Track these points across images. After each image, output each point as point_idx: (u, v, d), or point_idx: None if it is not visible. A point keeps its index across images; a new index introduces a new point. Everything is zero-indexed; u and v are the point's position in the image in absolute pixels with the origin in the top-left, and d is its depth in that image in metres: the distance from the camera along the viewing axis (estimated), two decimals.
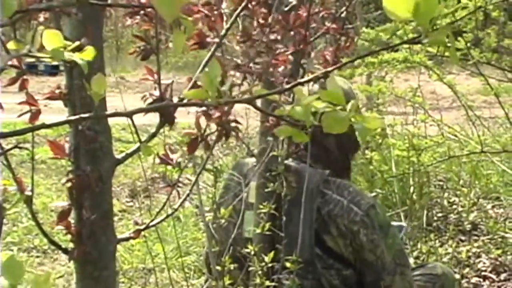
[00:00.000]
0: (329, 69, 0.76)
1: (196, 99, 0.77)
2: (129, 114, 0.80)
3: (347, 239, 2.22)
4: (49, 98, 1.26)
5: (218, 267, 2.14)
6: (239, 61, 1.52)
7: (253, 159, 2.34)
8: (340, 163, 2.36)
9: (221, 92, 0.74)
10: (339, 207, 2.22)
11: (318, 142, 2.25)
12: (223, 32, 1.29)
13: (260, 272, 2.09)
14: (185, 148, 1.38)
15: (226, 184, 2.49)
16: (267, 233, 2.13)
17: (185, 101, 1.15)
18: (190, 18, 1.35)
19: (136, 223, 1.37)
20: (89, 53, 0.83)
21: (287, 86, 0.75)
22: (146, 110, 0.86)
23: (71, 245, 1.28)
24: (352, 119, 0.76)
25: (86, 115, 0.95)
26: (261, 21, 1.56)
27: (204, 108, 1.36)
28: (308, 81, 0.79)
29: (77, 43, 0.97)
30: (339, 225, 2.21)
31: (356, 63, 3.75)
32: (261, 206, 2.14)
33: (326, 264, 2.22)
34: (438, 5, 0.79)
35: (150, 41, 1.31)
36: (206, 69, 0.87)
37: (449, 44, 0.74)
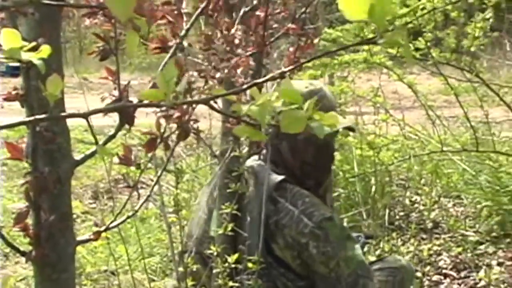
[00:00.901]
0: (285, 69, 0.77)
1: (153, 100, 0.77)
2: (85, 115, 0.79)
3: (294, 250, 2.16)
4: (6, 99, 1.25)
5: (181, 268, 2.14)
6: (201, 64, 1.52)
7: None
8: (297, 170, 2.27)
9: (177, 93, 0.74)
10: (288, 217, 2.15)
11: (274, 146, 2.26)
12: (183, 32, 1.29)
13: (222, 272, 2.09)
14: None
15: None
16: (230, 233, 2.12)
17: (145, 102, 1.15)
18: (159, 22, 1.35)
19: (96, 225, 1.36)
20: (44, 52, 0.82)
21: (244, 87, 0.75)
22: (102, 111, 0.86)
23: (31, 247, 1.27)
24: (309, 119, 0.76)
25: (41, 116, 0.94)
26: (224, 32, 1.56)
27: (164, 109, 1.35)
28: (264, 81, 0.79)
29: (34, 43, 0.95)
30: (285, 236, 2.14)
31: (312, 64, 3.77)
32: (224, 207, 2.14)
33: (278, 272, 2.19)
34: (393, 6, 0.80)
35: (109, 41, 1.30)
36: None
37: (403, 43, 0.75)
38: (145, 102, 0.86)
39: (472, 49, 3.80)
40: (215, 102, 1.48)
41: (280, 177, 2.17)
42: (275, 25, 1.82)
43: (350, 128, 2.50)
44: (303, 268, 2.18)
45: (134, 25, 0.85)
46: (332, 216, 2.18)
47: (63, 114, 0.97)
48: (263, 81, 0.77)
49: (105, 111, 0.90)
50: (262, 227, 2.09)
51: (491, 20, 3.79)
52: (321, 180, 2.35)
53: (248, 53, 1.63)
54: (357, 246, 2.21)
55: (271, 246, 2.14)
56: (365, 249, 2.62)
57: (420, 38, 3.68)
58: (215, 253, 2.11)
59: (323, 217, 2.14)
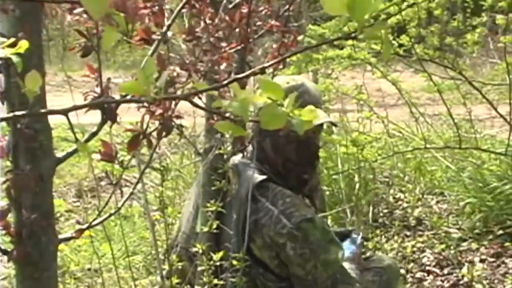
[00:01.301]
0: (266, 64, 0.76)
1: (133, 94, 0.76)
2: (65, 112, 0.79)
3: (272, 251, 2.14)
4: None
5: (166, 266, 2.14)
6: (185, 59, 1.52)
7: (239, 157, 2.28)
8: (280, 167, 2.24)
9: (158, 88, 0.73)
10: (268, 216, 2.12)
11: (258, 143, 2.25)
12: (164, 28, 1.28)
13: (207, 270, 2.08)
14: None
15: None
16: (214, 231, 2.12)
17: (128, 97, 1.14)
18: (142, 12, 1.34)
19: (78, 223, 1.36)
20: (22, 47, 0.81)
21: (225, 82, 0.75)
22: (81, 107, 0.85)
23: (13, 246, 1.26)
24: (290, 114, 0.76)
25: (20, 112, 0.93)
26: (208, 21, 1.55)
27: (146, 105, 1.35)
28: (245, 77, 0.79)
29: (13, 39, 0.95)
30: (264, 236, 2.12)
31: (296, 59, 3.77)
32: (208, 204, 2.14)
33: (257, 271, 2.17)
34: (376, 1, 0.80)
35: (91, 38, 1.29)
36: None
37: (383, 38, 0.75)
38: (127, 98, 0.85)
39: (474, 54, 3.84)
40: (200, 98, 1.48)
41: (262, 177, 2.15)
42: (258, 23, 1.81)
43: (332, 123, 2.49)
44: (282, 269, 2.16)
45: (110, 21, 0.84)
46: (313, 217, 2.14)
47: (42, 111, 0.97)
48: (244, 76, 0.77)
49: (84, 107, 0.89)
50: (247, 225, 2.08)
51: (487, 24, 3.84)
52: (304, 177, 2.31)
53: (231, 49, 1.63)
54: (340, 251, 2.18)
55: (249, 245, 2.11)
56: (363, 249, 2.59)
57: (403, 35, 3.70)
58: (200, 251, 2.11)
59: (303, 218, 2.11)
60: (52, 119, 1.35)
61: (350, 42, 3.79)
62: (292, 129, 0.76)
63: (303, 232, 2.10)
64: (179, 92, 1.24)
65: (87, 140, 1.21)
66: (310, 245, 2.10)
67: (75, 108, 0.81)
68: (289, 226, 2.10)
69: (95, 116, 1.27)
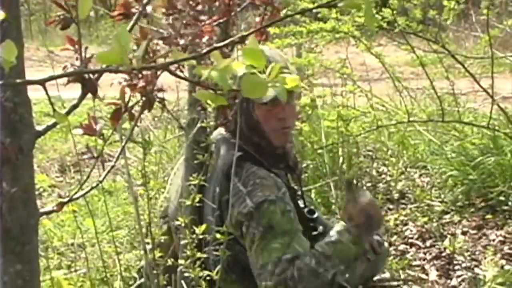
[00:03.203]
0: (245, 33, 0.76)
1: (109, 64, 0.75)
2: (41, 82, 0.78)
3: (238, 231, 2.11)
4: None
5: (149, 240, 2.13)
6: (165, 33, 1.50)
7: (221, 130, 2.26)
8: (257, 147, 2.23)
9: (137, 58, 0.72)
10: (236, 197, 2.10)
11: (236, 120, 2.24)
12: (144, 1, 1.27)
13: (190, 244, 2.08)
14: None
15: None
16: (197, 204, 2.11)
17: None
18: None
19: (60, 196, 1.35)
20: None
21: (204, 51, 0.74)
22: (57, 77, 0.84)
23: None
24: (271, 83, 0.75)
25: None
26: None
27: (128, 78, 1.33)
28: (223, 46, 0.78)
29: None
30: (232, 216, 2.09)
31: (279, 32, 3.75)
32: (191, 178, 2.13)
33: (238, 249, 2.14)
34: None
35: (70, 10, 1.27)
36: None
37: (363, 6, 0.74)
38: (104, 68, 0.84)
39: (448, 22, 3.82)
40: (181, 71, 1.47)
41: (238, 154, 2.08)
42: None
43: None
44: None
45: None
46: (275, 200, 2.08)
47: (18, 80, 0.95)
48: (223, 45, 0.76)
49: (61, 76, 0.88)
50: (230, 198, 2.05)
51: None
52: (278, 153, 2.28)
53: (213, 23, 1.61)
54: (292, 243, 2.03)
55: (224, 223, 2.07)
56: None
57: (386, 8, 3.69)
58: (182, 224, 2.11)
59: (265, 198, 2.07)
60: (35, 95, 1.34)
61: (333, 15, 3.77)
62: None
63: (260, 212, 2.07)
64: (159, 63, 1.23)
65: (68, 113, 1.20)
66: (261, 227, 2.05)
67: (52, 78, 0.80)
68: (249, 205, 2.08)
69: (79, 91, 1.26)
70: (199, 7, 1.55)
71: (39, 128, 1.28)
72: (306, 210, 2.32)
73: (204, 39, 1.48)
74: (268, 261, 2.02)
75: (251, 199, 2.09)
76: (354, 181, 3.85)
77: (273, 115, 2.23)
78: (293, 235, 2.07)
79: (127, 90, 1.34)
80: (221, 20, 1.60)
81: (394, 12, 3.62)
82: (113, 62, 0.73)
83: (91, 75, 1.12)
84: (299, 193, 2.41)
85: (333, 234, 2.15)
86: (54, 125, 1.24)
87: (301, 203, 2.34)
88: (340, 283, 2.08)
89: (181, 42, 1.26)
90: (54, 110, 0.97)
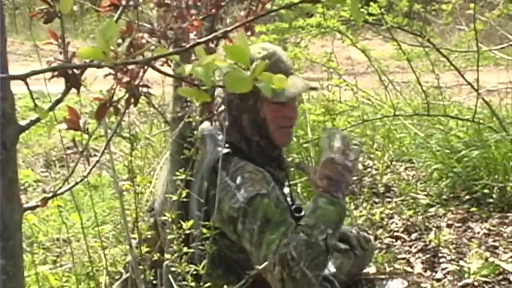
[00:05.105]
0: (228, 28, 0.75)
1: (92, 59, 0.75)
2: (23, 77, 0.77)
3: (230, 226, 2.12)
4: None
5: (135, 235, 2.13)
6: (155, 25, 1.49)
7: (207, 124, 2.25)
8: (242, 141, 2.26)
9: (120, 53, 0.72)
10: (225, 191, 2.11)
11: (233, 117, 2.24)
12: None
13: (177, 239, 2.08)
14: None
15: None
16: (184, 199, 2.11)
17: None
18: None
19: (44, 191, 1.34)
20: None
21: (187, 46, 0.74)
22: (40, 72, 0.83)
23: None
24: (258, 78, 0.75)
25: None
26: None
27: (112, 72, 1.33)
28: (207, 41, 0.78)
29: None
30: (221, 211, 2.10)
31: (266, 30, 3.75)
32: (177, 173, 2.13)
33: (224, 244, 2.16)
34: None
35: (54, 3, 1.26)
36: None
37: (349, 2, 0.74)
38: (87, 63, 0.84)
39: (442, 21, 3.87)
40: (169, 66, 1.46)
41: (226, 150, 2.12)
42: None
43: (312, 88, 2.47)
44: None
45: None
46: (267, 193, 2.09)
47: (0, 75, 0.94)
48: (206, 40, 0.76)
49: (44, 71, 0.87)
50: (218, 193, 2.05)
51: None
52: (275, 154, 2.32)
53: (201, 17, 1.61)
54: (287, 232, 2.03)
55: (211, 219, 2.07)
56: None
57: (372, 3, 3.69)
58: (169, 219, 2.10)
59: (256, 192, 2.08)
60: (19, 89, 1.33)
61: (320, 9, 3.78)
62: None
63: (253, 207, 2.07)
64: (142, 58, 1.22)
65: (51, 108, 1.19)
66: (258, 221, 2.05)
67: (34, 73, 0.79)
68: (241, 201, 2.08)
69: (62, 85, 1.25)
70: (187, 1, 1.55)
71: (22, 123, 1.27)
72: (293, 207, 2.32)
73: (192, 34, 1.48)
74: (268, 252, 2.02)
75: (242, 194, 2.08)
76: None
77: (281, 113, 2.26)
78: (289, 224, 2.07)
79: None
80: (208, 14, 1.60)
81: (382, 8, 3.63)
82: (95, 57, 0.73)
83: (74, 70, 1.11)
84: (287, 190, 2.42)
85: (309, 205, 2.15)
86: (37, 120, 1.23)
87: (289, 200, 2.34)
88: (334, 248, 2.09)
89: (169, 36, 1.25)
90: (36, 105, 0.96)
